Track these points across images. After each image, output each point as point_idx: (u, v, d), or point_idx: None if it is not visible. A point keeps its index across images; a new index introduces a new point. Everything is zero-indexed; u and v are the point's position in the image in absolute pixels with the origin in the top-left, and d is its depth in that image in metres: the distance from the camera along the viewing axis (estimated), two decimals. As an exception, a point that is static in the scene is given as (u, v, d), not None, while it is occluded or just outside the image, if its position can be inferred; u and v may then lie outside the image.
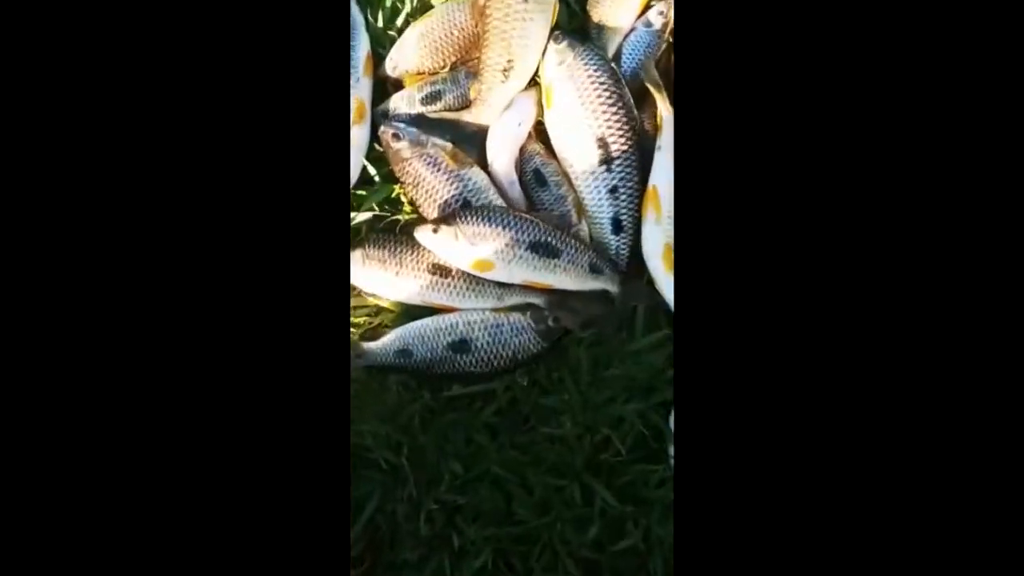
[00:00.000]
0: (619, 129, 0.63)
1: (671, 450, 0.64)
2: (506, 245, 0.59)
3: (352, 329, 0.67)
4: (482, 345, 0.63)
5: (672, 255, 0.62)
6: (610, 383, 0.68)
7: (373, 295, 0.66)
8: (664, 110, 0.63)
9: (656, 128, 0.65)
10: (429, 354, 0.64)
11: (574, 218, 0.65)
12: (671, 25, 0.67)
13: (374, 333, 0.66)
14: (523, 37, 0.63)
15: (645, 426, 0.67)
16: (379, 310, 0.69)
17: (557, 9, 0.65)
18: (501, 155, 0.65)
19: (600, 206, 0.64)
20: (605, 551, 0.63)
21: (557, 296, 0.64)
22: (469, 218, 0.61)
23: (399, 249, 0.64)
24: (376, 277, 0.65)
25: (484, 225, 0.60)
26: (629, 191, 0.64)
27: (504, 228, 0.60)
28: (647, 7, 0.68)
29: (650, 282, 0.65)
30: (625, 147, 0.63)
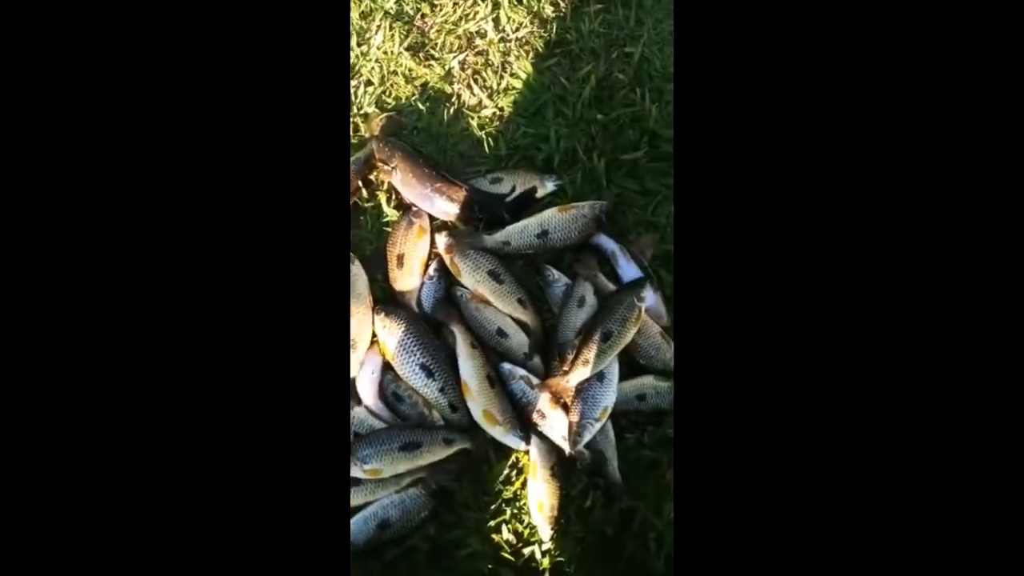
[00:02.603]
0: (431, 354, 1.02)
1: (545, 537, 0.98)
2: (386, 453, 0.95)
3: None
4: (397, 519, 0.96)
5: (488, 416, 0.99)
6: (489, 503, 1.02)
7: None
8: (458, 332, 1.03)
9: (454, 342, 1.04)
10: (364, 538, 0.95)
11: (426, 412, 1.02)
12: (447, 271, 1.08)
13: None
14: (358, 324, 1.02)
15: (518, 523, 1.02)
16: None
17: (371, 300, 1.06)
18: (367, 392, 1.03)
19: (438, 401, 1.01)
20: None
21: (432, 467, 0.98)
22: (359, 445, 0.96)
23: (325, 478, 0.98)
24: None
25: (368, 448, 0.95)
26: (451, 387, 1.02)
27: (381, 444, 0.95)
28: (426, 268, 1.10)
29: (485, 434, 1.01)
30: (437, 362, 1.02)
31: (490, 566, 0.99)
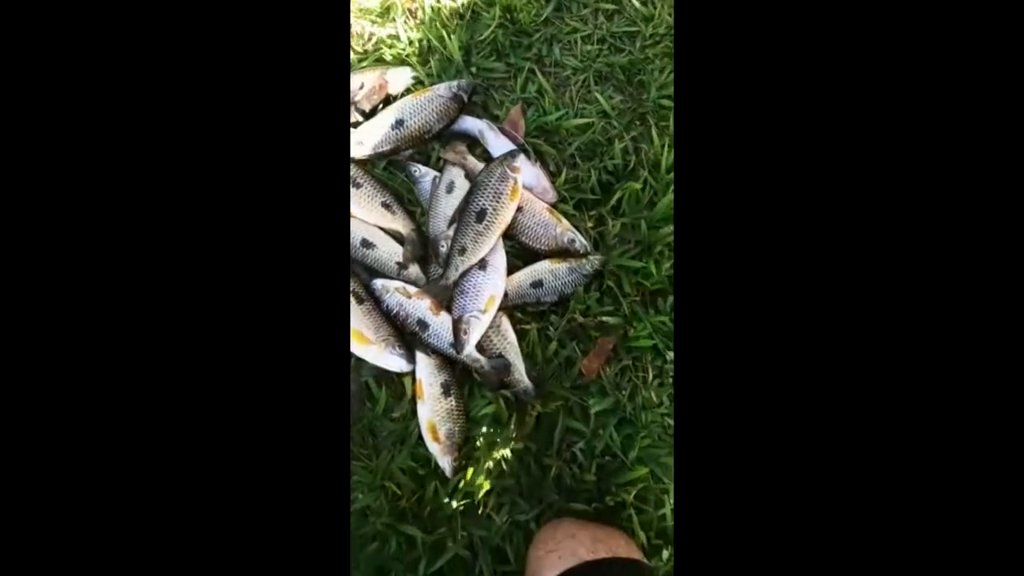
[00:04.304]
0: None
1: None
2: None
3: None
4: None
5: (358, 336, 0.81)
6: (382, 443, 0.83)
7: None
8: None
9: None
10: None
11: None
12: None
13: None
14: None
15: (415, 459, 0.82)
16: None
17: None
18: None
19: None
20: None
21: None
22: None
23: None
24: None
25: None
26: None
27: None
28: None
29: (358, 368, 0.83)
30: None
31: (384, 521, 0.79)
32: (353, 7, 1.07)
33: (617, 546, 0.71)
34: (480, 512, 0.81)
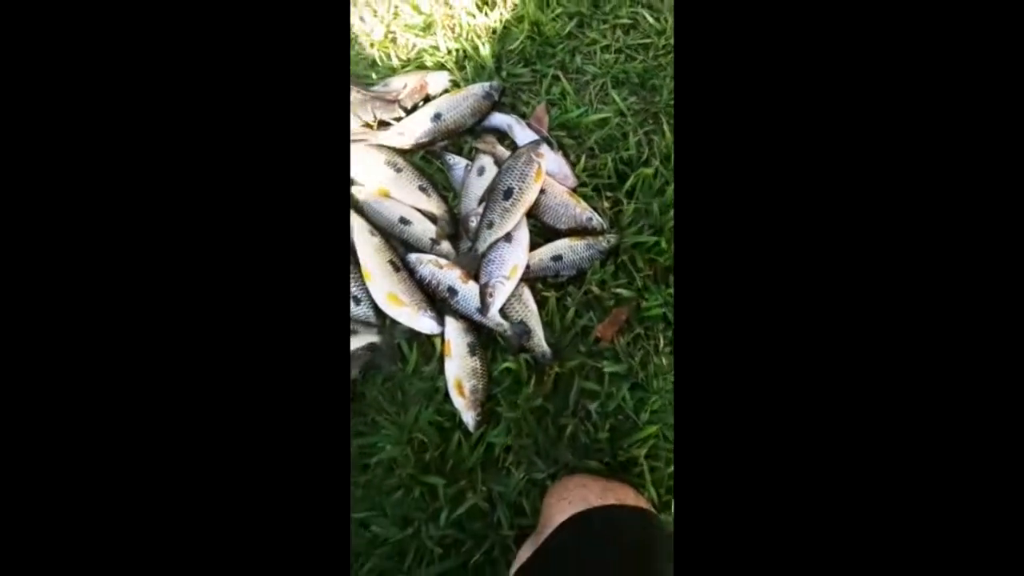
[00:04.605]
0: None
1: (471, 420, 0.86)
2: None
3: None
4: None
5: (393, 299, 0.90)
6: (410, 400, 0.89)
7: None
8: (355, 221, 0.96)
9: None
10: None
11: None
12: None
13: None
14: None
15: (440, 414, 0.89)
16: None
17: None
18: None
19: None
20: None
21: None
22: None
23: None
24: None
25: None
26: (352, 278, 0.93)
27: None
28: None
29: (391, 329, 0.92)
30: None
31: (409, 472, 0.84)
32: (399, 23, 1.21)
33: (626, 496, 0.76)
34: (499, 467, 0.86)
